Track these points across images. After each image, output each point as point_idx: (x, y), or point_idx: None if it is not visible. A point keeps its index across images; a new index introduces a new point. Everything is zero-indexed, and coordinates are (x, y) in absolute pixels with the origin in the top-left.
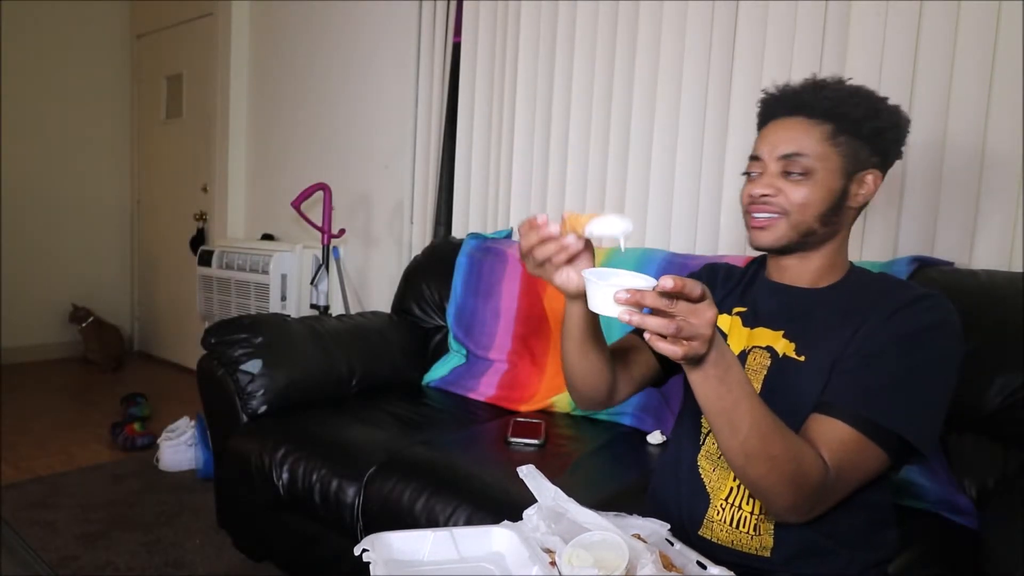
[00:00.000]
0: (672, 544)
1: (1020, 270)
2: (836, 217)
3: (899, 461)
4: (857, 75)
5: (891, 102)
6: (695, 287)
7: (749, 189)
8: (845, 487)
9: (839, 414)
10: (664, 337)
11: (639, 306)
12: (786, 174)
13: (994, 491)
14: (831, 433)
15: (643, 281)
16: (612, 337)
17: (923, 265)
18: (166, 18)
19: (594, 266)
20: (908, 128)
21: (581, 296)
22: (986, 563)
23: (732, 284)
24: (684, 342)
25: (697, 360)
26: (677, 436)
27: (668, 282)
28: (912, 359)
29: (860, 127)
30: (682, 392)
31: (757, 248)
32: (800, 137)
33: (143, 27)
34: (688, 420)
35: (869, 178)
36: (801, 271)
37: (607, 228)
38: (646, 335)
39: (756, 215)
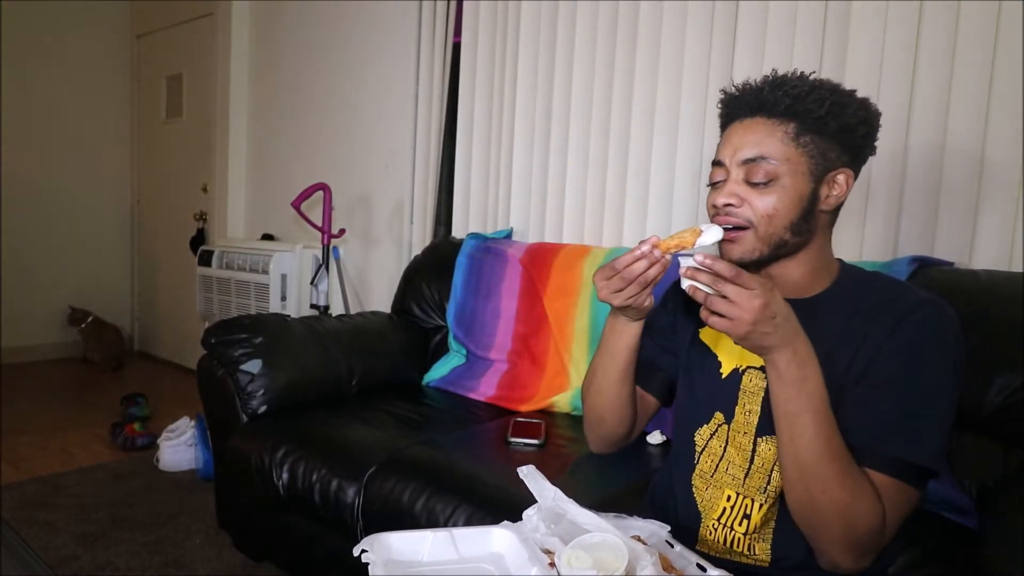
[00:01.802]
0: (672, 546)
1: (1020, 270)
2: (807, 224)
3: (925, 489)
4: (857, 75)
5: (859, 95)
6: (750, 279)
7: (712, 199)
8: (892, 532)
9: (869, 461)
10: (715, 314)
11: (710, 272)
12: (749, 182)
13: (994, 491)
14: (880, 486)
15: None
16: None
17: (923, 265)
18: (166, 18)
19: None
20: (878, 122)
21: (644, 317)
22: (986, 563)
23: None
24: (726, 319)
25: (763, 351)
26: (673, 453)
27: (722, 266)
28: (923, 381)
29: (825, 125)
30: (675, 410)
31: (728, 261)
32: (762, 139)
33: (143, 27)
34: (682, 438)
35: (840, 178)
36: (784, 282)
37: (713, 237)
38: (702, 313)
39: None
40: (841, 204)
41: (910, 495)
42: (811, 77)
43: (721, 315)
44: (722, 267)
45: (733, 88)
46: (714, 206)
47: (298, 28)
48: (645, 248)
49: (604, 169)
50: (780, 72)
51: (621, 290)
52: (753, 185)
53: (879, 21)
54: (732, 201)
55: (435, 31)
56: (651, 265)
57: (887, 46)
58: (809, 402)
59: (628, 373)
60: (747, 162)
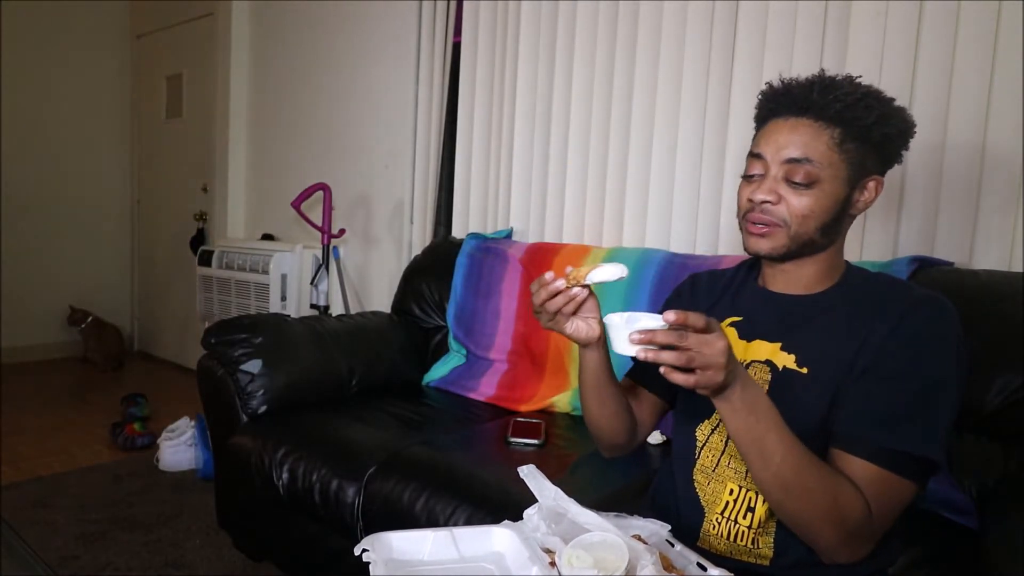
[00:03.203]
0: (672, 545)
1: (1020, 270)
2: (837, 227)
3: (925, 483)
4: (857, 75)
5: (897, 103)
6: (699, 319)
7: (749, 193)
8: (885, 522)
9: (864, 451)
10: (678, 369)
11: (652, 343)
12: (790, 181)
13: (994, 491)
14: (860, 472)
15: (655, 321)
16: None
17: (923, 265)
18: (166, 18)
19: (599, 315)
20: (914, 132)
21: (591, 343)
22: (986, 563)
23: (719, 291)
24: (698, 371)
25: (718, 390)
26: (674, 450)
27: (671, 316)
28: (925, 377)
29: (870, 133)
30: (676, 407)
31: (752, 254)
32: (808, 141)
33: (143, 27)
34: (683, 434)
35: (871, 184)
36: (796, 277)
37: (604, 275)
38: (662, 370)
39: (754, 221)
40: (865, 209)
41: (905, 487)
42: (860, 82)
43: (690, 370)
44: (694, 319)
45: (779, 83)
46: (750, 200)
47: (298, 28)
48: (548, 278)
49: (604, 169)
50: (831, 74)
51: (539, 312)
52: (793, 185)
53: (879, 21)
54: (771, 198)
55: (435, 31)
56: (550, 296)
57: (887, 46)
58: (768, 419)
59: (601, 393)
60: (791, 161)
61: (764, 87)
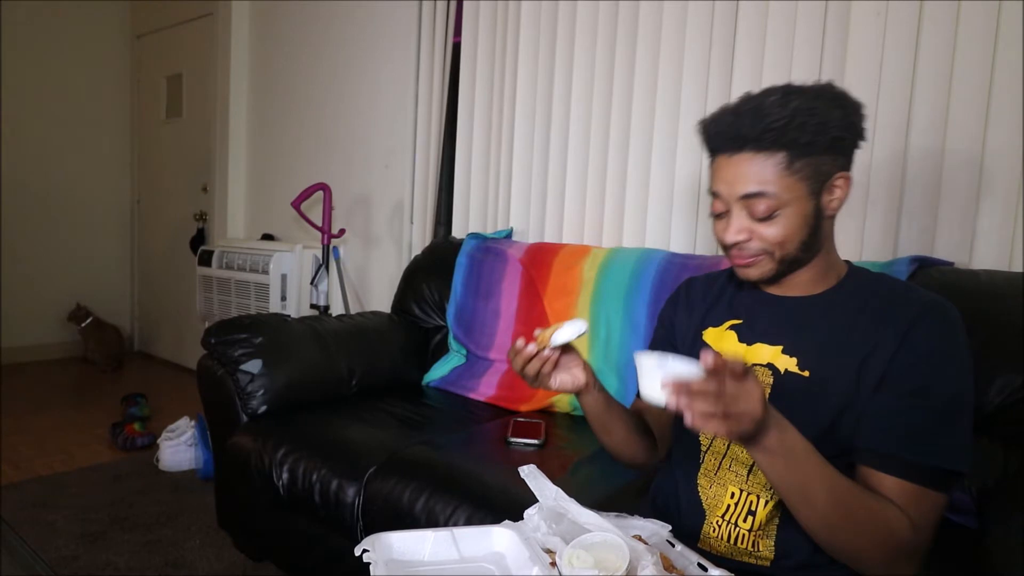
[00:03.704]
0: (673, 545)
1: (1020, 270)
2: (817, 238)
3: (952, 491)
4: (857, 76)
5: (835, 91)
6: (737, 365)
7: (719, 235)
8: (927, 536)
9: (898, 470)
10: (712, 416)
11: (685, 393)
12: (753, 217)
13: (994, 491)
14: (896, 489)
15: (690, 366)
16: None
17: (923, 265)
18: (166, 18)
19: (582, 361)
20: (862, 113)
21: (580, 390)
22: (986, 563)
23: (715, 293)
24: (732, 420)
25: (752, 438)
26: (676, 452)
27: (709, 360)
28: (947, 392)
29: (814, 146)
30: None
31: (746, 281)
32: (756, 172)
33: (143, 27)
34: (687, 438)
35: (838, 183)
36: (793, 282)
37: (565, 335)
38: (688, 420)
39: (736, 256)
40: (841, 205)
41: (938, 499)
42: (785, 95)
43: (735, 416)
44: (733, 366)
45: (710, 121)
46: (724, 244)
47: (298, 28)
48: (519, 345)
49: (604, 169)
50: (753, 92)
51: (523, 376)
52: (759, 221)
53: (879, 21)
54: (741, 238)
55: (435, 31)
56: (526, 361)
57: (887, 46)
58: (809, 462)
59: (607, 427)
60: (747, 197)
61: (698, 124)
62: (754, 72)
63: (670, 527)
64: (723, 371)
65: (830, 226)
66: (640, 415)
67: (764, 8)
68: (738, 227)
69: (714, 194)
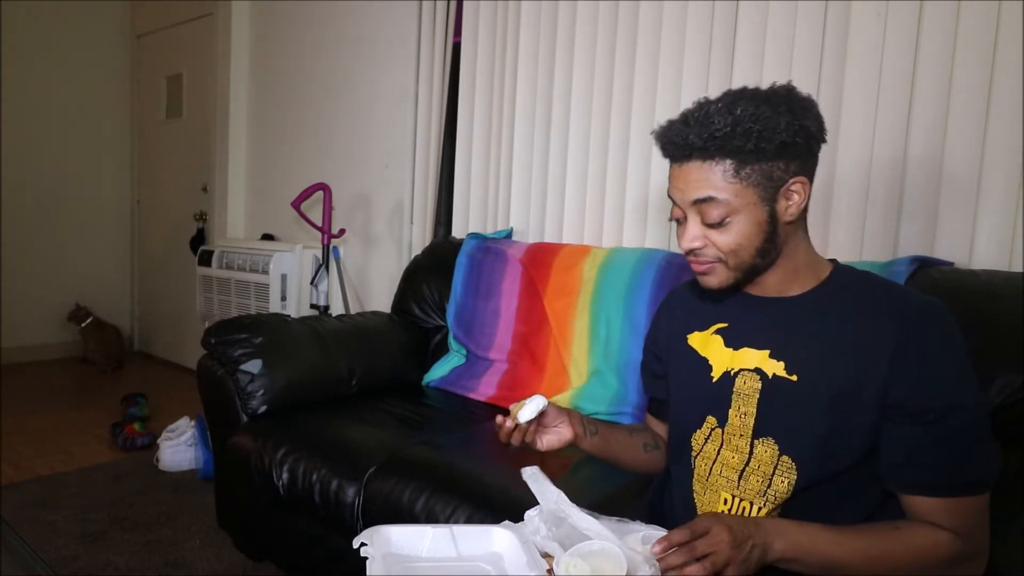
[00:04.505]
0: None
1: (1020, 270)
2: (774, 244)
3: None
4: (857, 76)
5: (786, 95)
6: (679, 535)
7: (679, 240)
8: (980, 535)
9: (938, 491)
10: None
11: (670, 568)
12: (706, 224)
13: (994, 491)
14: (939, 508)
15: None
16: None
17: (923, 265)
18: (166, 18)
19: (566, 418)
20: (815, 113)
21: (570, 442)
22: (987, 563)
23: (696, 298)
24: (728, 569)
25: (757, 563)
26: (670, 459)
27: (657, 549)
28: (964, 405)
29: (762, 152)
30: (670, 416)
31: (707, 289)
32: (705, 180)
33: (143, 27)
34: (678, 443)
35: (795, 187)
36: (767, 283)
37: (527, 414)
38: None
39: (694, 263)
40: (804, 210)
41: (980, 500)
42: (732, 102)
43: (723, 563)
44: (676, 536)
45: (661, 131)
46: (683, 250)
47: (298, 28)
48: (499, 421)
49: (604, 169)
50: (705, 98)
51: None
52: (710, 226)
53: (879, 22)
54: (696, 244)
55: (435, 31)
56: (509, 436)
57: (887, 47)
58: (823, 546)
59: (614, 457)
60: (697, 203)
61: (652, 133)
62: (754, 72)
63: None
64: (671, 547)
65: (792, 229)
66: (651, 429)
67: (764, 8)
68: (693, 234)
69: (671, 197)
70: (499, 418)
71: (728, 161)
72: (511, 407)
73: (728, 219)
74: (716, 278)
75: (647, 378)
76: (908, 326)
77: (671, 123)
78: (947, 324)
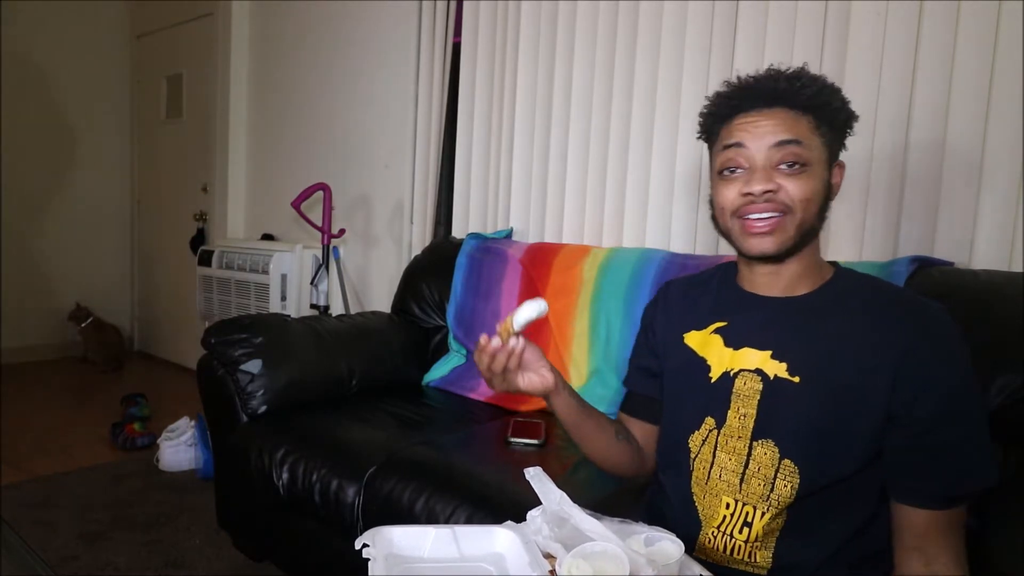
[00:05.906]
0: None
1: (1020, 270)
2: (823, 215)
3: None
4: (857, 75)
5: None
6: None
7: (740, 186)
8: (954, 554)
9: (940, 503)
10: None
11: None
12: (784, 164)
13: (995, 491)
14: (924, 521)
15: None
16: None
17: (923, 265)
18: (166, 18)
19: (548, 364)
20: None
21: (550, 391)
22: (987, 563)
23: (695, 296)
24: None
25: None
26: (666, 460)
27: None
28: (968, 411)
29: (836, 118)
30: (664, 418)
31: (758, 256)
32: (792, 125)
33: (143, 27)
34: (674, 446)
35: (837, 170)
36: (778, 278)
37: (526, 313)
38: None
39: (754, 217)
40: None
41: (962, 515)
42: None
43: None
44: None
45: (739, 79)
46: (747, 194)
47: (298, 28)
48: (483, 342)
49: (604, 169)
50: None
51: (490, 380)
52: (789, 168)
53: (879, 21)
54: (771, 187)
55: (435, 31)
56: (492, 357)
57: (887, 46)
58: None
59: (583, 430)
60: (781, 144)
61: (721, 87)
62: (754, 72)
63: (673, 535)
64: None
65: (824, 217)
66: (624, 425)
67: (764, 8)
68: (767, 175)
69: (735, 145)
70: (483, 338)
71: (811, 115)
72: (499, 325)
73: (806, 167)
74: (778, 239)
75: (636, 375)
76: (916, 333)
77: (750, 76)
78: (955, 334)
